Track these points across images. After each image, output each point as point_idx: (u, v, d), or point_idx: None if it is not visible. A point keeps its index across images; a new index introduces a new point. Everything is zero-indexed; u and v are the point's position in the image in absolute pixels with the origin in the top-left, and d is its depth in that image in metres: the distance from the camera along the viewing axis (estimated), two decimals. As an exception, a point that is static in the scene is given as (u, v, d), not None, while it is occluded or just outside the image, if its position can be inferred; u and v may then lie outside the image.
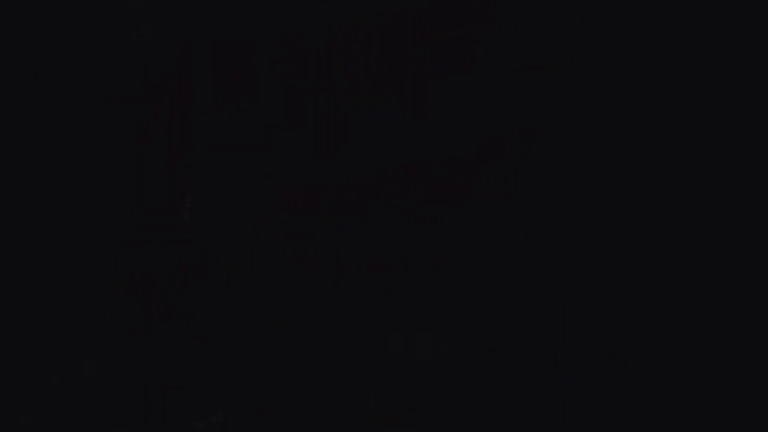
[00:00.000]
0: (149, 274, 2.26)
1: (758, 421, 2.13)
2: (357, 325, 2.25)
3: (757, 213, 2.21)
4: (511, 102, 2.28)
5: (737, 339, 2.17)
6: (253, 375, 2.23)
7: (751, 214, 2.21)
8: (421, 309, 2.25)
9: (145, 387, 2.23)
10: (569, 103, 2.29)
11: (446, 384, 2.21)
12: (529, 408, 2.17)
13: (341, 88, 2.30)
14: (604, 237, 2.24)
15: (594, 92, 2.29)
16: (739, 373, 2.15)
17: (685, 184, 2.24)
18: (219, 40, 2.31)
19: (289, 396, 2.21)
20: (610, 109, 2.28)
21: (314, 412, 2.20)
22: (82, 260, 2.26)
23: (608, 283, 2.23)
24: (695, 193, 2.24)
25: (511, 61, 2.29)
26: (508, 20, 2.29)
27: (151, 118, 2.31)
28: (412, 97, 2.30)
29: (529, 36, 2.29)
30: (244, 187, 2.30)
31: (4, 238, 2.26)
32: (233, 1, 2.30)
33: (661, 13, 2.27)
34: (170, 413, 2.22)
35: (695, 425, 2.14)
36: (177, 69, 2.31)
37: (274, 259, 2.27)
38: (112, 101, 2.31)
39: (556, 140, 2.28)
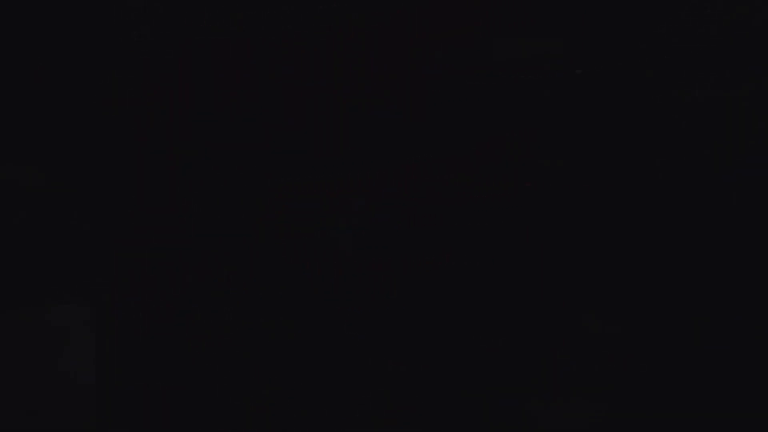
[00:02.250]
0: (149, 274, 2.26)
1: (758, 421, 2.13)
2: (357, 325, 2.25)
3: (757, 214, 2.21)
4: (512, 102, 2.28)
5: (737, 339, 2.17)
6: (253, 375, 2.23)
7: (752, 214, 2.21)
8: (421, 309, 2.25)
9: (145, 387, 2.23)
10: (569, 103, 2.29)
11: (446, 384, 2.21)
12: (529, 408, 2.17)
13: (341, 88, 2.30)
14: (605, 237, 2.24)
15: (594, 92, 2.29)
16: (739, 373, 2.15)
17: (687, 183, 2.24)
18: (219, 40, 2.31)
19: (289, 396, 2.21)
20: (611, 108, 2.28)
21: (314, 412, 2.20)
22: (82, 260, 2.26)
23: (608, 282, 2.23)
24: (696, 192, 2.24)
25: (511, 61, 2.29)
26: (508, 20, 2.29)
27: (151, 118, 2.31)
28: (412, 97, 2.30)
29: (529, 36, 2.29)
30: (244, 187, 2.30)
31: (5, 238, 2.26)
32: (233, 1, 2.30)
33: (665, 15, 2.27)
34: (170, 414, 2.21)
35: (695, 425, 2.14)
36: (177, 69, 2.31)
37: (274, 259, 2.27)
38: (112, 101, 2.31)
39: (556, 140, 2.28)
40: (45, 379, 2.23)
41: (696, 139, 2.25)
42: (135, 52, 2.31)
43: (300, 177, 2.30)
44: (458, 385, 2.20)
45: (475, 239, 2.27)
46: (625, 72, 2.28)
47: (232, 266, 2.27)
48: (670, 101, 2.27)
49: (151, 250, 2.28)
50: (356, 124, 2.30)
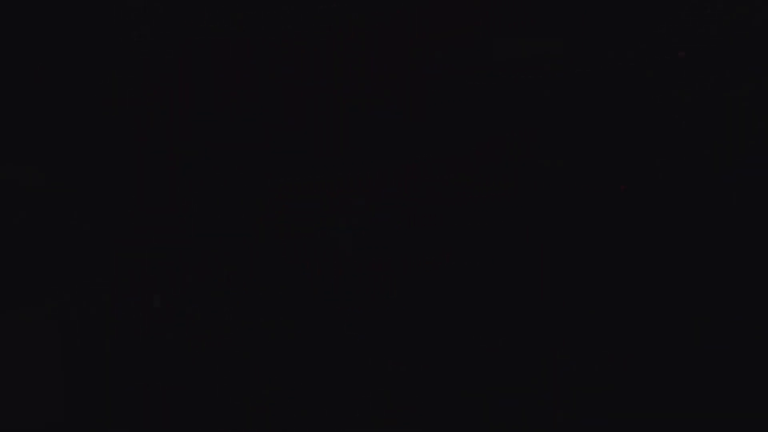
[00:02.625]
0: (149, 274, 2.26)
1: (758, 421, 2.13)
2: (357, 325, 2.25)
3: (757, 214, 2.21)
4: (511, 102, 2.28)
5: (737, 339, 2.17)
6: (253, 375, 2.23)
7: (753, 215, 2.21)
8: (421, 309, 2.25)
9: (145, 387, 2.23)
10: (569, 103, 2.29)
11: (446, 384, 2.21)
12: (529, 408, 2.17)
13: (341, 88, 2.30)
14: (604, 237, 2.24)
15: (594, 92, 2.29)
16: (739, 373, 2.15)
17: (687, 183, 2.24)
18: (219, 40, 2.31)
19: (289, 396, 2.21)
20: (611, 108, 2.28)
21: (314, 412, 2.20)
22: (83, 260, 2.26)
23: (608, 283, 2.23)
24: (696, 192, 2.24)
25: (511, 61, 2.29)
26: (508, 20, 2.29)
27: (151, 118, 2.31)
28: (412, 97, 2.30)
29: (529, 36, 2.29)
30: (244, 187, 2.30)
31: (5, 238, 2.26)
32: (233, 1, 2.30)
33: (665, 15, 2.27)
34: (171, 414, 2.22)
35: (695, 425, 2.14)
36: (177, 69, 2.31)
37: (274, 259, 2.27)
38: (112, 101, 2.31)
39: (556, 140, 2.28)
40: (44, 378, 2.23)
41: (696, 139, 2.25)
42: (135, 52, 2.31)
43: (300, 177, 2.30)
44: (458, 385, 2.20)
45: (475, 239, 2.27)
46: (625, 72, 2.28)
47: (232, 266, 2.27)
48: (670, 101, 2.27)
49: (151, 250, 2.28)
50: (356, 124, 2.30)
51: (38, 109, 2.30)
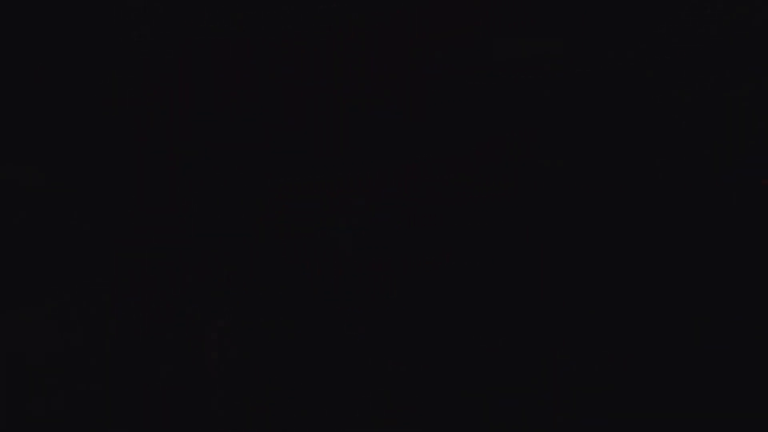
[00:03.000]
0: (149, 274, 2.26)
1: (758, 421, 2.13)
2: (357, 325, 2.25)
3: (757, 214, 2.21)
4: (511, 102, 2.28)
5: (737, 339, 2.17)
6: (253, 375, 2.23)
7: (753, 215, 2.21)
8: (421, 309, 2.25)
9: (145, 387, 2.23)
10: (569, 103, 2.29)
11: (446, 384, 2.21)
12: (529, 408, 2.17)
13: (341, 88, 2.30)
14: (604, 237, 2.24)
15: (594, 92, 2.29)
16: (739, 373, 2.15)
17: (687, 183, 2.24)
18: (219, 40, 2.31)
19: (289, 396, 2.21)
20: (611, 108, 2.28)
21: (314, 412, 2.20)
22: (83, 260, 2.26)
23: (608, 283, 2.23)
24: (696, 192, 2.24)
25: (511, 61, 2.29)
26: (508, 20, 2.29)
27: (151, 118, 2.31)
28: (412, 97, 2.30)
29: (529, 36, 2.29)
30: (244, 187, 2.30)
31: (5, 238, 2.26)
32: (233, 1, 2.30)
33: (665, 15, 2.27)
34: (171, 414, 2.22)
35: (695, 425, 2.14)
36: (177, 69, 2.31)
37: (274, 259, 2.27)
38: (112, 101, 2.31)
39: (556, 140, 2.28)
40: (44, 378, 2.23)
41: (696, 139, 2.25)
42: (135, 52, 2.31)
43: (300, 177, 2.30)
44: (458, 385, 2.20)
45: (475, 239, 2.27)
46: (625, 72, 2.28)
47: (232, 266, 2.27)
48: (670, 101, 2.27)
49: (151, 250, 2.28)
50: (356, 124, 2.30)
51: (38, 109, 2.30)
